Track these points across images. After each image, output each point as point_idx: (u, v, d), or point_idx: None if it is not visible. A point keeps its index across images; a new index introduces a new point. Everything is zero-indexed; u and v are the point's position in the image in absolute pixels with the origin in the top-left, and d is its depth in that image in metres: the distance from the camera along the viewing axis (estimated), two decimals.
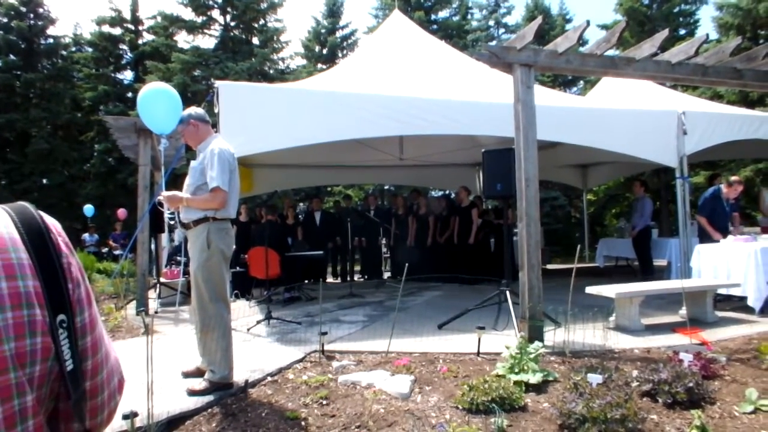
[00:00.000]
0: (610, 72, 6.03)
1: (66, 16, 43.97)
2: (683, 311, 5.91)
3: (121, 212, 17.70)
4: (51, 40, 25.11)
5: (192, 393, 3.87)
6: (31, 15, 24.38)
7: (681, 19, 21.22)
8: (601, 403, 3.11)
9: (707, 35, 5.81)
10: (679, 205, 7.99)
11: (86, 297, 0.90)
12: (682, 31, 20.53)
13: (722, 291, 6.63)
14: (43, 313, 0.80)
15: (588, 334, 5.15)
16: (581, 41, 5.98)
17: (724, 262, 6.62)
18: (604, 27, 21.07)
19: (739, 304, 6.67)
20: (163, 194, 4.08)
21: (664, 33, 5.49)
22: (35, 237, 0.84)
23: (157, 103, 4.50)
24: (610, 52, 5.65)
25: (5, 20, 23.65)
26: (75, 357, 0.85)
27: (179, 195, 4.06)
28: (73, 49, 26.19)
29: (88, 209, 18.62)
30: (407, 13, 20.15)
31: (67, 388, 0.85)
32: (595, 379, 3.62)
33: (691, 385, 3.56)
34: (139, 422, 3.10)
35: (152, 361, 3.13)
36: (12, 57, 23.43)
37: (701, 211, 7.89)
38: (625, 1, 20.70)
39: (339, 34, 27.47)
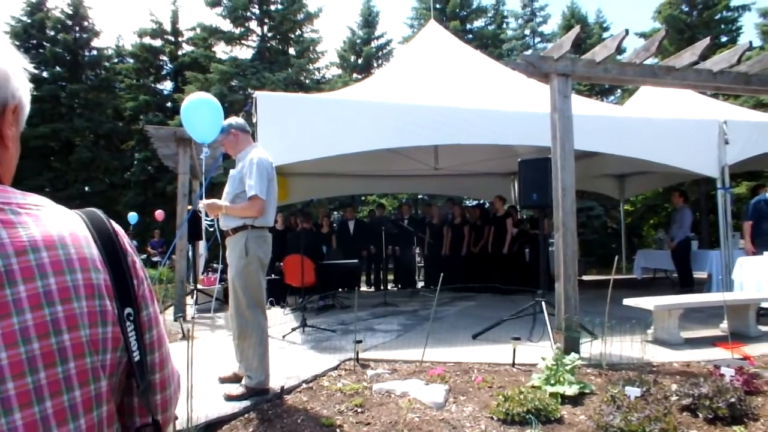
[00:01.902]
0: (650, 81, 5.95)
1: (109, 29, 45.35)
2: (724, 325, 5.78)
3: (159, 213, 18.02)
4: (95, 52, 25.86)
5: (229, 398, 3.94)
6: (77, 28, 25.15)
7: (722, 26, 20.76)
8: (640, 416, 3.06)
9: (750, 42, 5.68)
10: (720, 216, 7.81)
11: (149, 294, 0.97)
12: (724, 39, 20.07)
13: (766, 305, 6.44)
14: (112, 305, 0.86)
15: (625, 347, 5.06)
16: (620, 50, 5.92)
17: None
18: (643, 35, 20.75)
19: None
20: (203, 202, 4.18)
21: (706, 41, 5.41)
22: (104, 236, 0.91)
23: (201, 112, 4.60)
24: (650, 61, 5.58)
25: (52, 33, 24.44)
26: (141, 348, 0.90)
27: (218, 203, 4.15)
28: (116, 60, 26.91)
29: (132, 217, 19.02)
30: (442, 22, 20.17)
31: (135, 378, 0.90)
32: (633, 392, 3.57)
33: (733, 400, 3.48)
34: (178, 425, 3.16)
35: (191, 366, 3.19)
36: (58, 69, 24.18)
37: (746, 217, 7.70)
38: (664, 8, 20.38)
39: (374, 44, 27.62)
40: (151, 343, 0.95)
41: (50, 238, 0.82)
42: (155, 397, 0.97)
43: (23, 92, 0.92)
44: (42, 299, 0.78)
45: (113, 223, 0.95)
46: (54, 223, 0.85)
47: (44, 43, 24.23)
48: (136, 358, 0.89)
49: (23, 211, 0.83)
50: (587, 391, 3.98)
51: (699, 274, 9.73)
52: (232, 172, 4.23)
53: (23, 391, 0.74)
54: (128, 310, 0.89)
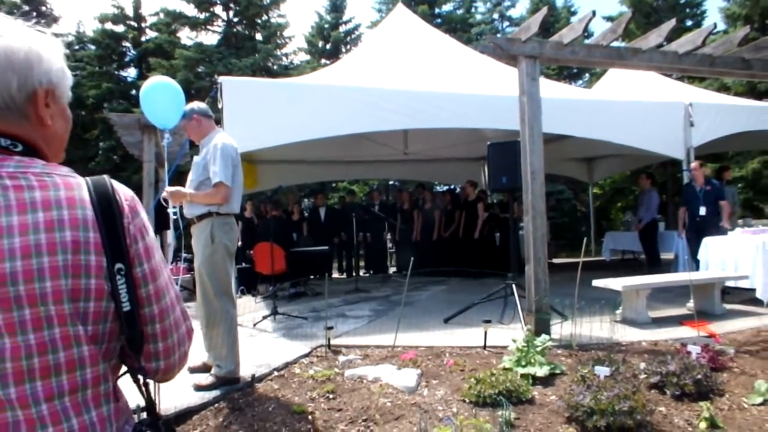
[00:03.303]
0: (617, 63, 5.98)
1: (69, 14, 43.92)
2: (691, 304, 5.88)
3: None
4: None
5: (198, 388, 3.87)
6: (34, 13, 24.32)
7: (688, 9, 21.03)
8: (609, 395, 3.09)
9: (714, 25, 5.76)
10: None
11: (145, 252, 1.07)
12: (689, 22, 20.35)
13: (730, 283, 6.58)
14: (98, 260, 0.98)
15: (595, 327, 5.12)
16: (586, 33, 5.94)
17: (732, 254, 6.57)
18: (610, 19, 20.92)
19: (747, 296, 6.62)
20: (167, 190, 4.07)
21: (671, 23, 5.45)
22: (103, 200, 1.02)
23: (160, 96, 4.46)
24: (616, 44, 5.60)
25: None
26: (132, 300, 1.02)
27: (183, 191, 4.05)
28: (77, 47, 26.10)
29: None
30: (411, 7, 20.01)
31: (123, 326, 1.03)
32: (602, 371, 3.59)
33: (699, 377, 3.54)
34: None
35: None
36: None
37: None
38: None
39: (342, 29, 27.36)
40: (148, 297, 1.07)
41: (48, 200, 0.96)
42: (158, 345, 1.11)
43: (54, 73, 1.07)
44: (32, 250, 0.92)
45: (117, 187, 1.07)
46: (57, 188, 0.99)
47: None
48: (126, 308, 1.02)
49: (34, 179, 0.98)
50: (558, 371, 4.02)
51: (666, 255, 9.91)
52: (195, 158, 4.13)
53: (10, 323, 0.90)
54: (119, 265, 1.01)
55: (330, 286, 5.73)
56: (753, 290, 6.34)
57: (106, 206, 1.02)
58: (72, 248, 0.95)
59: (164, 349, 1.12)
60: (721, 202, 7.73)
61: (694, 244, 7.76)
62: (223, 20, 23.87)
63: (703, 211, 7.68)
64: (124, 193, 1.08)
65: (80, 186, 1.02)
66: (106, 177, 1.07)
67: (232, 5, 23.46)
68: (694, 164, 7.83)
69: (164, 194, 4.16)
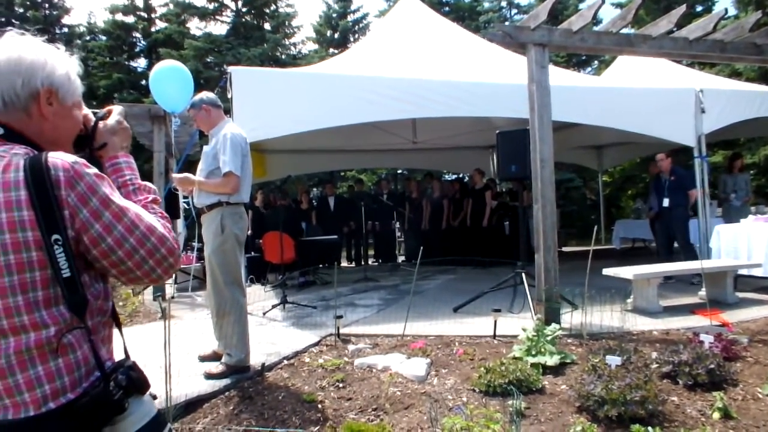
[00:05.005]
0: (626, 50, 5.92)
1: (80, 5, 43.98)
2: (703, 292, 5.84)
3: None
4: (66, 30, 25.12)
5: (209, 376, 3.90)
6: (46, 5, 24.37)
7: None
8: (621, 384, 3.07)
9: (726, 10, 5.68)
10: (698, 185, 7.86)
11: (93, 215, 1.15)
12: (700, 8, 20.05)
13: (743, 272, 6.52)
14: (35, 234, 1.09)
15: (605, 317, 5.09)
16: (596, 20, 5.88)
17: (745, 242, 6.52)
18: (619, 6, 20.67)
19: (760, 284, 6.57)
20: (175, 176, 4.09)
21: (682, 8, 5.37)
22: (36, 177, 1.10)
23: (169, 80, 4.46)
24: (626, 30, 5.54)
25: (21, 11, 23.68)
26: (72, 266, 1.12)
27: (191, 177, 4.07)
28: (88, 38, 26.14)
29: None
30: None
31: (63, 291, 1.12)
32: (613, 360, 3.58)
33: (712, 366, 3.51)
34: (157, 405, 3.10)
35: (170, 345, 3.14)
36: None
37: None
38: None
39: (350, 18, 27.20)
40: (110, 248, 1.17)
41: None
42: (132, 275, 1.23)
43: (57, 75, 1.24)
44: None
45: (54, 162, 1.12)
46: None
47: (13, 21, 23.43)
48: (66, 275, 1.11)
49: None
50: (568, 361, 4.00)
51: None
52: (205, 148, 4.14)
53: None
54: (55, 236, 1.10)
55: (339, 275, 5.73)
56: (766, 278, 6.29)
57: (39, 184, 1.10)
58: (8, 228, 1.08)
59: (123, 271, 1.21)
60: (689, 192, 7.69)
61: (660, 236, 7.91)
62: (231, 10, 23.85)
63: (666, 202, 7.71)
64: (62, 165, 1.13)
65: (18, 167, 1.11)
66: (44, 153, 1.13)
67: None
68: (660, 155, 7.94)
69: (173, 181, 4.18)
